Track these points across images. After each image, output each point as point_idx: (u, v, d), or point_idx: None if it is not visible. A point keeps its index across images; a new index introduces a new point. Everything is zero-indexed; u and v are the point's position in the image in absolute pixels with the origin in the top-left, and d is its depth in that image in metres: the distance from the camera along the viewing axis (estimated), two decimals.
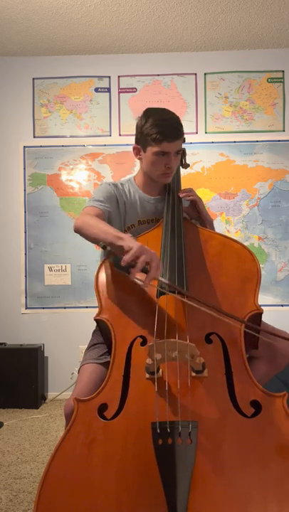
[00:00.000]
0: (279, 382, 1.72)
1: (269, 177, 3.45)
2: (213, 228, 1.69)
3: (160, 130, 1.53)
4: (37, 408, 3.17)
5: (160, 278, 1.24)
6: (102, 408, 1.12)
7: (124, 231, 1.68)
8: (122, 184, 1.73)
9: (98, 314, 1.34)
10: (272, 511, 0.96)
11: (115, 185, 1.71)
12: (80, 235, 1.48)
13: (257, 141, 3.46)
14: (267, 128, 3.48)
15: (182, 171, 1.84)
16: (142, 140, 1.60)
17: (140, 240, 1.53)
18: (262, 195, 3.45)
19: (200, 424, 1.04)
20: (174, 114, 1.61)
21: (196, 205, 1.66)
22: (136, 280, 1.25)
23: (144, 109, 1.64)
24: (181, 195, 1.65)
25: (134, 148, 1.66)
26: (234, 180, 3.46)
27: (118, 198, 1.67)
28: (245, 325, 1.23)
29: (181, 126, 1.58)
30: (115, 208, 1.66)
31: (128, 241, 1.28)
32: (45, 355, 3.40)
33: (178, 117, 1.60)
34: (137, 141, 1.64)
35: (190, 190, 1.68)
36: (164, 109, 1.64)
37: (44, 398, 3.33)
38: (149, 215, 1.70)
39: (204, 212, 1.68)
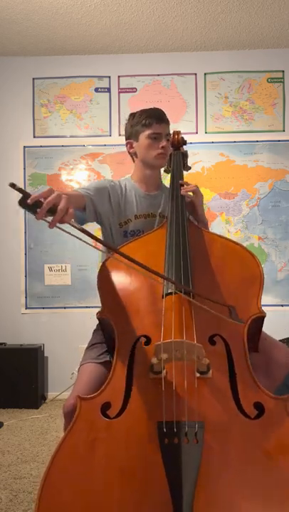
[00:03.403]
0: (284, 386, 1.70)
1: (269, 177, 3.45)
2: (207, 229, 1.68)
3: (148, 115, 1.71)
4: (37, 408, 3.17)
5: (70, 223, 1.20)
6: (106, 407, 1.12)
7: (121, 226, 1.73)
8: (119, 181, 1.79)
9: (101, 312, 1.33)
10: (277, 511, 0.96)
11: (112, 181, 1.79)
12: None
13: (257, 141, 3.46)
14: (267, 128, 3.48)
15: (184, 173, 1.85)
16: (134, 132, 1.74)
17: (144, 239, 1.54)
18: (262, 195, 3.45)
19: (206, 424, 1.04)
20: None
21: (193, 206, 1.67)
22: (44, 220, 1.22)
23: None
24: (182, 193, 1.66)
25: (127, 144, 1.78)
26: (234, 180, 3.46)
27: (110, 192, 1.72)
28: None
29: (165, 114, 1.75)
30: (106, 202, 1.70)
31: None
32: (45, 355, 3.40)
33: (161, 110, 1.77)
34: (128, 137, 1.78)
35: (193, 188, 1.67)
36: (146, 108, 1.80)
37: (44, 398, 3.33)
38: (146, 209, 1.74)
39: (200, 214, 1.68)
